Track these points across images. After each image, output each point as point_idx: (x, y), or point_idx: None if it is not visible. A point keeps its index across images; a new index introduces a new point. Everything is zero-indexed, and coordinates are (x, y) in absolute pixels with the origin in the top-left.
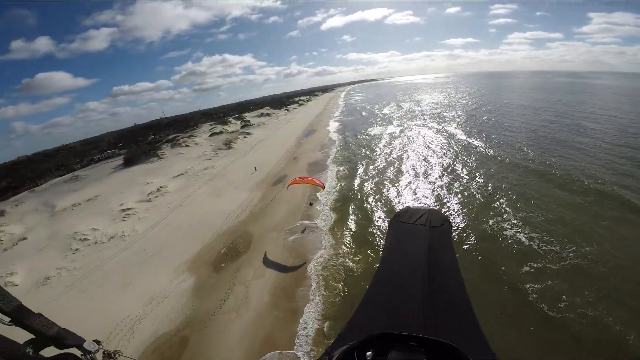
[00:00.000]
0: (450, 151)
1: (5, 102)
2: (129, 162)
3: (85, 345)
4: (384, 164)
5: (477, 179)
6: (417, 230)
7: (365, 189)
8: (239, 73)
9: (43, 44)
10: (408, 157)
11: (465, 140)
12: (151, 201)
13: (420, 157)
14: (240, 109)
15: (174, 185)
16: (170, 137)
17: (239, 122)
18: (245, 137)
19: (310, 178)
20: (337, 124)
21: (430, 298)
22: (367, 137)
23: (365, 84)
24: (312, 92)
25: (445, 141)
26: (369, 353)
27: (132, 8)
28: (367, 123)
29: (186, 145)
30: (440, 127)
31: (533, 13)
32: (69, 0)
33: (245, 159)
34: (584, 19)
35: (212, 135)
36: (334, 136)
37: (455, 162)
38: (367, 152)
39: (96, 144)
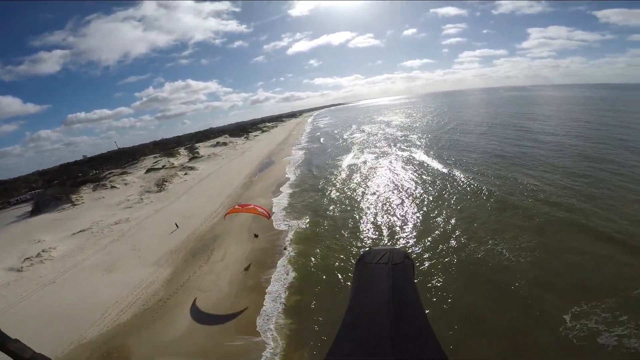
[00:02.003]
0: (412, 182)
1: None
2: (36, 210)
3: None
4: (351, 208)
5: (440, 213)
6: (380, 269)
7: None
8: (204, 100)
9: None
10: (377, 194)
11: (430, 167)
12: (21, 271)
13: (385, 193)
14: (198, 138)
15: (66, 247)
16: (103, 174)
17: (188, 153)
18: (186, 173)
19: (252, 206)
20: (300, 152)
21: (397, 330)
22: (331, 169)
23: (332, 108)
24: (279, 118)
25: (409, 171)
26: None
27: (85, 29)
28: (332, 151)
29: (112, 187)
30: (403, 153)
31: (480, 31)
32: (15, 18)
33: (172, 207)
34: (524, 34)
35: (148, 171)
36: (294, 171)
37: (417, 196)
38: (332, 193)
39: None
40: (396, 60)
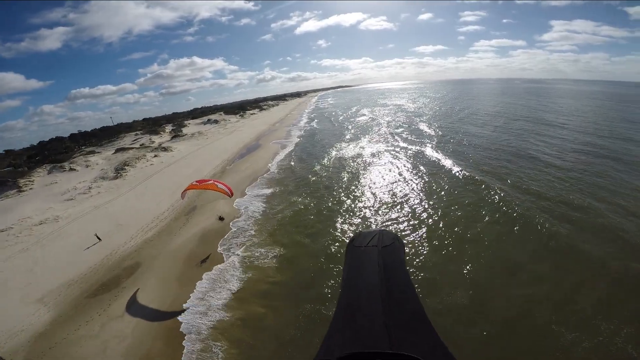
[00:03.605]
0: (413, 186)
1: None
2: None
3: None
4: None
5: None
6: (370, 252)
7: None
8: (210, 77)
9: None
10: (375, 204)
11: (436, 163)
12: None
13: (384, 203)
14: (194, 115)
15: None
16: (74, 153)
17: (173, 131)
18: (156, 155)
19: (212, 182)
20: (293, 135)
21: (390, 314)
22: (323, 161)
23: (338, 89)
24: (282, 98)
25: (411, 169)
26: None
27: (87, 6)
28: (328, 136)
29: (70, 169)
30: (408, 145)
31: (500, 20)
32: None
33: (115, 204)
34: (546, 26)
35: (117, 151)
36: (278, 160)
37: (417, 208)
38: (319, 196)
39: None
40: (408, 45)
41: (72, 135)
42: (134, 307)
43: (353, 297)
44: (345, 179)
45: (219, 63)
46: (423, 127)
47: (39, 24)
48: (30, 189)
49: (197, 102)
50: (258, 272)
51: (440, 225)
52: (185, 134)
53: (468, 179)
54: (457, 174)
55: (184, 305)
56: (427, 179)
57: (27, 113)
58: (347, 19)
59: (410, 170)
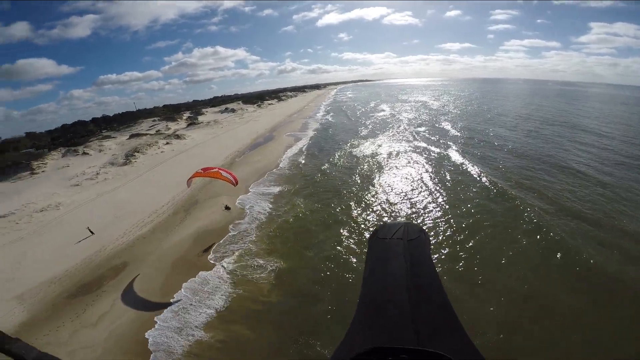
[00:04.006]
0: (436, 194)
1: None
2: None
3: None
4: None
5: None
6: (395, 244)
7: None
8: (232, 67)
9: (20, 29)
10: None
11: (481, 179)
12: None
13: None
14: (213, 103)
15: None
16: (90, 137)
17: (188, 118)
18: (168, 142)
19: (216, 169)
20: (309, 128)
21: (417, 309)
22: (339, 157)
23: (359, 83)
24: (301, 89)
25: (433, 173)
26: None
27: None
28: (344, 131)
29: (84, 153)
30: (429, 146)
31: (534, 20)
32: None
33: (118, 192)
34: (584, 28)
35: (131, 137)
36: (290, 155)
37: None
38: (331, 201)
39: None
40: (434, 42)
41: (94, 119)
42: (109, 315)
43: (377, 292)
44: (357, 182)
45: (241, 53)
46: (447, 126)
47: (69, 12)
48: (43, 171)
49: (219, 91)
50: (250, 288)
51: (464, 247)
52: (201, 122)
53: (498, 192)
54: (485, 184)
55: (155, 318)
56: (449, 190)
57: (57, 97)
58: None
59: (430, 177)
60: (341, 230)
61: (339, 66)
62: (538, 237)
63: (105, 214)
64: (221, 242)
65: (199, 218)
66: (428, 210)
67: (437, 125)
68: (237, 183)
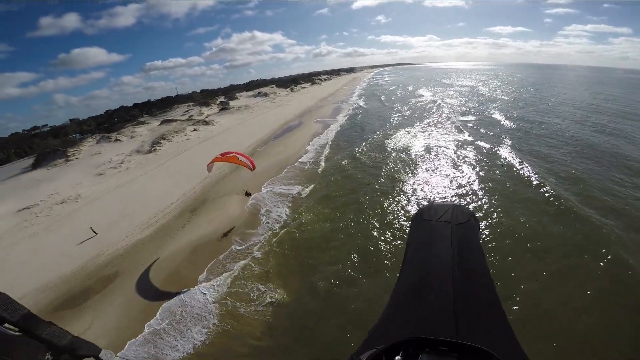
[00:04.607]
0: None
1: (45, 76)
2: (36, 164)
3: (101, 355)
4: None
5: None
6: (442, 227)
7: None
8: (269, 51)
9: (71, 20)
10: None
11: (544, 191)
12: None
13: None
14: (248, 87)
15: None
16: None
17: (220, 103)
18: (195, 129)
19: (233, 154)
20: (339, 115)
21: (460, 300)
22: (371, 148)
23: (398, 67)
24: (337, 72)
25: (493, 191)
26: (397, 358)
27: None
28: (378, 118)
29: (117, 140)
30: (488, 145)
31: (600, 4)
32: None
33: (134, 184)
34: None
35: (162, 123)
36: (318, 143)
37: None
38: (353, 205)
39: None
40: (482, 25)
41: (135, 104)
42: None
43: (419, 276)
44: (386, 186)
45: (277, 37)
46: (496, 115)
47: (113, 2)
48: (77, 158)
49: (257, 75)
50: (240, 324)
51: (526, 293)
52: (232, 107)
53: (567, 210)
54: (548, 197)
55: (119, 353)
56: (501, 202)
57: (109, 83)
58: None
59: (477, 181)
60: (365, 258)
61: (377, 49)
62: (615, 279)
63: (115, 210)
64: (221, 258)
65: (203, 223)
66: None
67: (485, 114)
68: (254, 168)
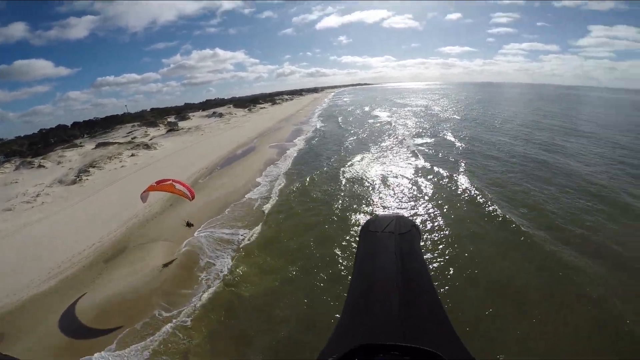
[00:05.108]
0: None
1: None
2: None
3: None
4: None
5: None
6: (386, 238)
7: None
8: (231, 69)
9: (17, 29)
10: None
11: (513, 228)
12: None
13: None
14: (204, 106)
15: None
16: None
17: (167, 124)
18: (134, 154)
19: (170, 182)
20: (297, 138)
21: (406, 305)
22: (326, 178)
23: (357, 87)
24: (298, 92)
25: (432, 199)
26: None
27: None
28: (339, 141)
29: (40, 166)
30: (443, 171)
31: (534, 23)
32: None
33: (34, 229)
34: (583, 31)
35: (97, 146)
36: (270, 174)
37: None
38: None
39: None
40: (433, 45)
41: (75, 123)
42: None
43: (367, 286)
44: (340, 225)
45: (240, 55)
46: (449, 137)
47: (67, 13)
48: None
49: (217, 94)
50: None
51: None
52: (182, 129)
53: (518, 233)
54: (501, 221)
55: None
56: (454, 228)
57: (54, 98)
58: (370, 16)
59: (433, 211)
60: (315, 321)
61: (338, 69)
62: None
63: (11, 257)
64: (138, 326)
65: (118, 278)
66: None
67: (438, 135)
68: (193, 197)
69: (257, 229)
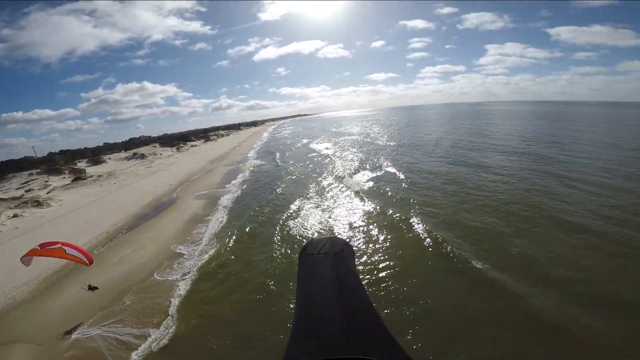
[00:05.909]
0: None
1: None
2: None
3: None
4: None
5: None
6: (323, 259)
7: None
8: (161, 104)
9: None
10: None
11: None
12: None
13: None
14: (127, 146)
15: None
16: None
17: (71, 171)
18: (16, 214)
19: (59, 245)
20: (229, 182)
21: (347, 320)
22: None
23: (297, 118)
24: (237, 127)
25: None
26: None
27: (24, 21)
28: (276, 183)
29: None
30: (386, 208)
31: (443, 46)
32: None
33: None
34: (482, 50)
35: None
36: (190, 234)
37: None
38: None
39: None
40: (362, 73)
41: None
42: None
43: (309, 307)
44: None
45: (171, 89)
46: (389, 168)
47: None
48: None
49: (147, 131)
50: None
51: None
52: (90, 176)
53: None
54: (448, 253)
55: None
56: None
57: None
58: (306, 46)
59: (381, 257)
60: None
61: (278, 101)
62: None
63: None
64: None
65: None
66: None
67: (376, 166)
68: (91, 262)
69: (166, 327)
